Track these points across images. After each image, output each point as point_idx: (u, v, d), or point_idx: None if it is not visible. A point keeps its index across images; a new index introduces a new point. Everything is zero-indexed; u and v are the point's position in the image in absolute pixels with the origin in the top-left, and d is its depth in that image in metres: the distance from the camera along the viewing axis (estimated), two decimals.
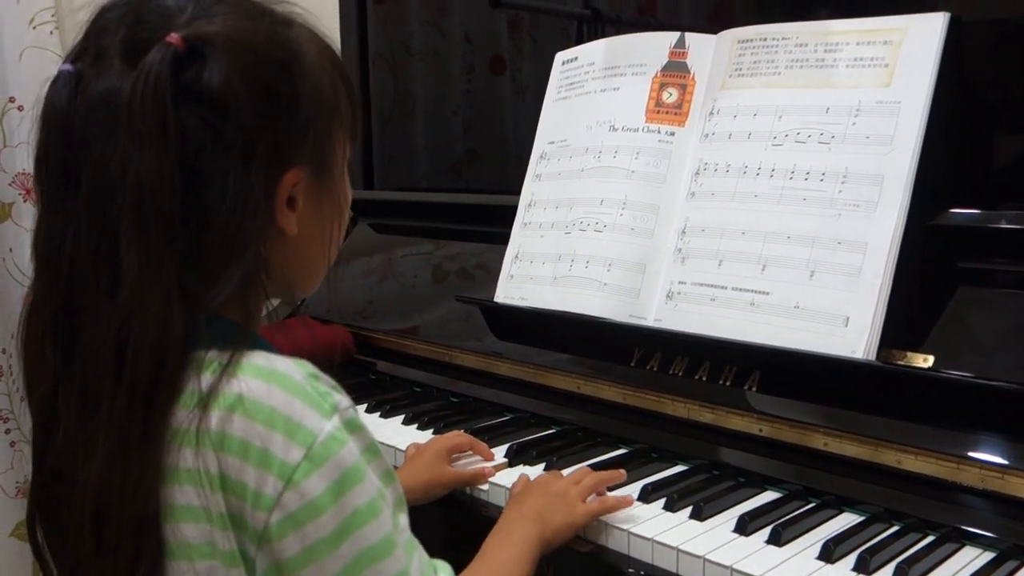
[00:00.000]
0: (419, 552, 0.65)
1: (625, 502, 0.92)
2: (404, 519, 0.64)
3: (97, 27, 0.63)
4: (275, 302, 0.70)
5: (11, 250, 1.74)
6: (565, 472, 0.99)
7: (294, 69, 0.64)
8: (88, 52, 0.63)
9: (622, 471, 0.98)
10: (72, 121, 0.61)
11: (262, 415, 0.59)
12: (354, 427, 0.61)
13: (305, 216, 0.67)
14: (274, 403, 0.59)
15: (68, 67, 0.62)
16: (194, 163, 0.60)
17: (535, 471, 1.06)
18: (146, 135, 0.58)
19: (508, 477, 1.04)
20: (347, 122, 0.70)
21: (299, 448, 0.58)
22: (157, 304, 0.59)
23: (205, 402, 0.59)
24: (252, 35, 0.62)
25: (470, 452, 1.10)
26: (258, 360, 0.61)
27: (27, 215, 1.74)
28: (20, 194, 1.74)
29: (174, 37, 0.59)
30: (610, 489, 0.97)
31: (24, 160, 1.73)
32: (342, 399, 0.62)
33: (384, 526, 0.61)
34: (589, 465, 1.04)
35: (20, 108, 1.72)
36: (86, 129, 0.61)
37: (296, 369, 0.61)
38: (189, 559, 0.60)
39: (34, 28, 1.71)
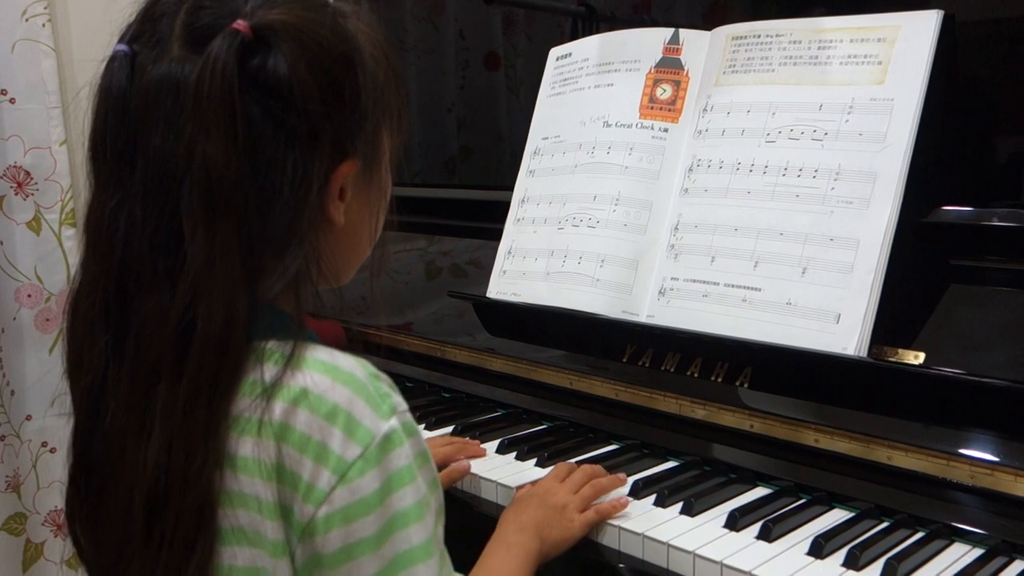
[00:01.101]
0: (448, 565, 0.65)
1: (620, 504, 0.92)
2: (441, 528, 0.65)
3: (154, 10, 0.63)
4: None
5: (1, 243, 1.73)
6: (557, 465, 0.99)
7: (355, 61, 0.64)
8: (145, 35, 0.62)
9: (622, 476, 0.98)
10: (129, 103, 0.61)
11: (325, 410, 0.59)
12: (410, 431, 0.62)
13: (353, 206, 0.67)
14: (337, 399, 0.59)
15: (124, 48, 0.62)
16: (257, 151, 0.60)
17: (527, 466, 1.06)
18: (214, 122, 0.58)
19: (500, 471, 1.04)
20: (394, 114, 0.70)
21: (357, 446, 0.59)
22: (224, 289, 0.59)
23: (270, 393, 0.59)
24: (317, 26, 0.62)
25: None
26: (321, 355, 0.62)
27: (18, 208, 1.74)
28: (11, 187, 1.73)
29: (241, 24, 0.59)
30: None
31: (15, 153, 1.72)
32: (400, 401, 0.63)
33: (426, 531, 0.61)
34: (582, 460, 1.04)
35: (12, 101, 1.71)
36: (145, 113, 0.60)
37: (359, 368, 0.62)
38: (238, 546, 0.60)
39: (26, 20, 1.70)
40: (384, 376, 0.63)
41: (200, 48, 0.59)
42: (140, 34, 0.62)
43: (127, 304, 0.61)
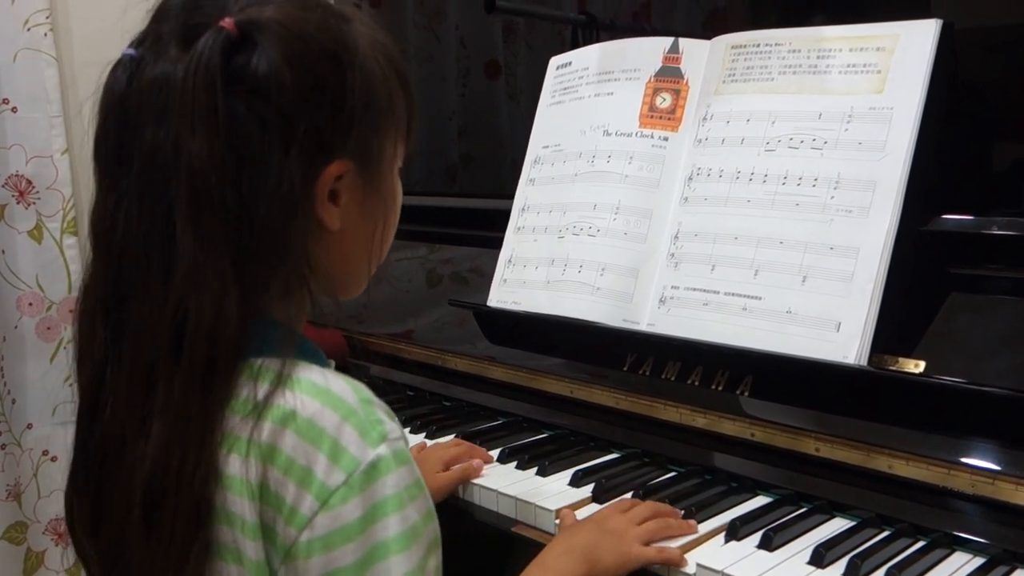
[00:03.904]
0: None
1: (678, 559, 0.84)
2: (434, 561, 0.63)
3: (160, 14, 0.64)
4: None
5: (3, 252, 1.74)
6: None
7: (343, 60, 0.63)
8: (149, 38, 0.63)
9: (692, 523, 0.90)
10: (127, 104, 0.62)
11: (311, 434, 0.58)
12: (402, 459, 0.61)
13: (349, 212, 0.66)
14: (325, 424, 0.59)
15: (131, 52, 0.63)
16: (241, 149, 0.60)
17: (527, 475, 1.06)
18: (198, 119, 0.58)
19: (500, 480, 1.04)
20: (401, 123, 0.69)
21: (341, 473, 0.58)
22: (212, 288, 0.59)
23: (260, 412, 0.59)
24: (303, 23, 0.62)
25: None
26: (315, 377, 0.61)
27: (20, 217, 1.74)
28: (13, 196, 1.73)
29: (227, 22, 0.60)
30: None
31: (17, 162, 1.73)
32: (393, 428, 0.61)
33: (410, 562, 0.60)
34: (583, 469, 1.04)
35: (14, 110, 1.71)
36: (139, 111, 0.61)
37: (351, 392, 0.61)
38: (222, 561, 0.60)
39: (28, 30, 1.70)
40: (379, 402, 0.62)
41: (191, 46, 0.60)
42: (146, 38, 0.64)
43: (124, 302, 0.62)
